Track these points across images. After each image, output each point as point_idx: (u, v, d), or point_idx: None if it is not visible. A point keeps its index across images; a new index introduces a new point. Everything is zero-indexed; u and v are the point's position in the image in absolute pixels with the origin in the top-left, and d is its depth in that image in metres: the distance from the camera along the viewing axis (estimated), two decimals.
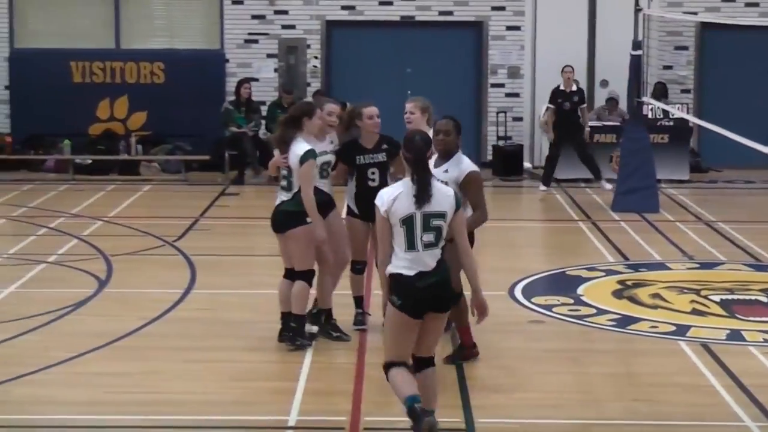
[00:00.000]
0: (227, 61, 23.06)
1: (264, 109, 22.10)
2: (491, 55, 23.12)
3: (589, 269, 13.87)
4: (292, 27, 23.03)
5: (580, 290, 12.77)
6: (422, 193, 7.75)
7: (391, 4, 23.03)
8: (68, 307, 11.87)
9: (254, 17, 23.02)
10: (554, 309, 11.99)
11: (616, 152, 20.20)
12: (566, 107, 20.19)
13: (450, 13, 23.06)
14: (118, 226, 16.76)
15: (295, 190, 10.19)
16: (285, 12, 23.02)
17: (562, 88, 20.30)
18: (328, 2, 22.99)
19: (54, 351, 10.33)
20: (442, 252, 7.83)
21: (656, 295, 12.53)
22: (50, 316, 11.53)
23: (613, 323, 11.49)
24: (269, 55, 23.06)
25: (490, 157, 22.75)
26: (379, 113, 10.77)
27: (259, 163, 21.25)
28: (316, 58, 22.99)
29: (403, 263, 7.75)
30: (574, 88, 20.37)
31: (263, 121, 21.89)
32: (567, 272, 13.80)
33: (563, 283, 13.28)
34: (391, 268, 7.80)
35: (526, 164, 22.40)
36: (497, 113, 22.98)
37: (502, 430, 8.63)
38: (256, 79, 22.72)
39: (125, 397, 9.19)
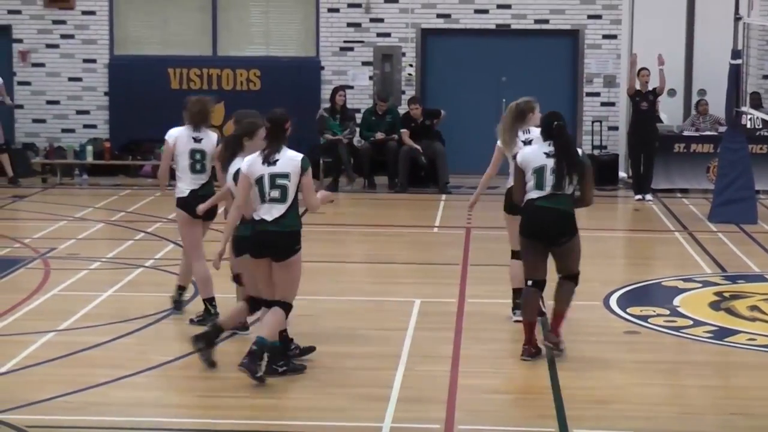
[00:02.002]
0: (323, 68, 23.17)
1: (359, 117, 22.18)
2: (587, 64, 22.97)
3: (686, 280, 13.72)
4: (388, 35, 23.07)
5: (676, 301, 12.64)
6: (270, 156, 9.54)
7: (486, 12, 22.97)
8: (165, 311, 12.00)
9: (350, 25, 23.11)
10: (650, 320, 11.88)
11: (714, 162, 19.98)
12: (644, 107, 20.48)
13: (546, 21, 22.95)
14: (213, 231, 16.86)
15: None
16: (381, 20, 23.07)
17: (638, 88, 20.35)
18: (424, 10, 23.00)
19: (151, 354, 10.46)
20: (289, 210, 9.66)
21: (754, 308, 12.36)
22: (147, 320, 11.67)
23: (710, 335, 11.35)
24: (364, 63, 23.13)
25: None
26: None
27: (354, 170, 21.35)
28: (411, 66, 23.01)
29: (257, 212, 9.57)
30: (650, 88, 20.53)
31: (358, 129, 21.96)
32: (663, 283, 13.67)
33: (659, 294, 13.16)
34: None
35: (622, 174, 22.19)
36: (593, 122, 22.81)
37: None
38: (351, 87, 22.80)
39: (219, 401, 9.27)
